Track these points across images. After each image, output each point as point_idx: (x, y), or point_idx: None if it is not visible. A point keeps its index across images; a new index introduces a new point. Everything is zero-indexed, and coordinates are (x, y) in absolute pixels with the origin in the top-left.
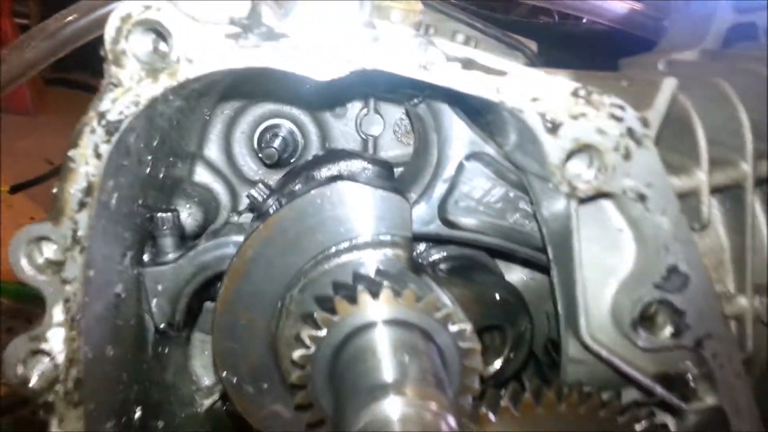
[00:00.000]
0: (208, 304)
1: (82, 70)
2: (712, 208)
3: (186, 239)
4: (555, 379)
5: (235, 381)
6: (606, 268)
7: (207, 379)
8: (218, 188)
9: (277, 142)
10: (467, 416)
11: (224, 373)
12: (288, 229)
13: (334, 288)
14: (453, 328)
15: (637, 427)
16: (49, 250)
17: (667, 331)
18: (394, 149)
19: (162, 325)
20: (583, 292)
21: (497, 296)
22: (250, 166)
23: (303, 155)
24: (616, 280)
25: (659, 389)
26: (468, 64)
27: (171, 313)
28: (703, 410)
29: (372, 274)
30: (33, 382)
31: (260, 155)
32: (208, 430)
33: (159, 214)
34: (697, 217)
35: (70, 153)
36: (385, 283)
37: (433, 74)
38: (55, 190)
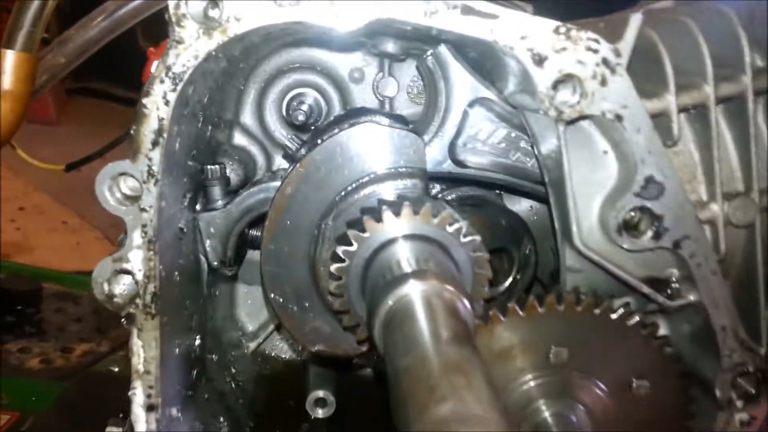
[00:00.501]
0: (250, 256)
1: (102, 79)
2: (683, 129)
3: (231, 190)
4: (556, 288)
5: (281, 301)
6: (593, 184)
7: (251, 326)
8: (254, 150)
9: (303, 108)
10: (479, 317)
11: (272, 295)
12: (320, 167)
13: (361, 212)
14: (465, 239)
15: (631, 320)
16: (127, 185)
17: (648, 234)
18: (408, 108)
19: (215, 263)
20: (574, 206)
21: (503, 221)
22: (280, 131)
23: (327, 119)
24: (602, 193)
25: (647, 288)
26: (466, 10)
27: (223, 251)
28: (685, 306)
29: (393, 199)
30: (117, 297)
31: (289, 121)
32: (255, 368)
33: (208, 166)
34: (668, 135)
35: (144, 100)
36: (405, 203)
37: (436, 20)
38: (132, 132)
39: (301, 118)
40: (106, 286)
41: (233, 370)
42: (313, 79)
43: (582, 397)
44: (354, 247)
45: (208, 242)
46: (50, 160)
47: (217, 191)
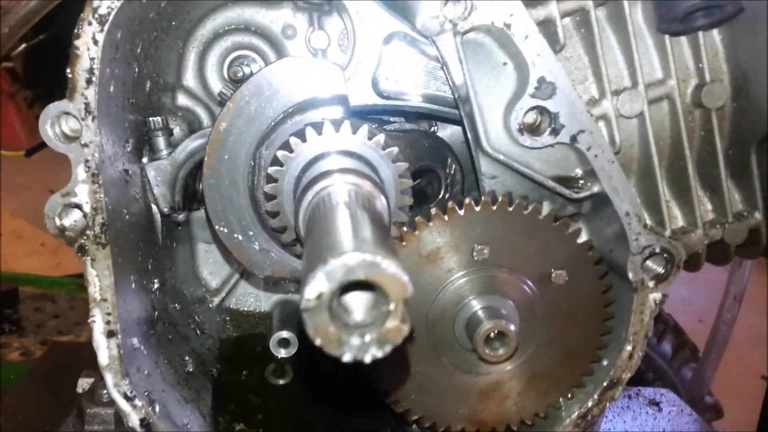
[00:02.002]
0: (198, 216)
1: None
2: (570, 35)
3: (176, 143)
4: (474, 193)
5: (226, 232)
6: (496, 93)
7: (214, 283)
8: (199, 111)
9: (243, 69)
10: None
11: (217, 227)
12: (250, 102)
13: (290, 137)
14: (387, 154)
15: (544, 210)
16: (68, 126)
17: (547, 132)
18: (342, 58)
19: (166, 209)
20: (480, 115)
21: (425, 143)
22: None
23: None
24: (504, 101)
25: (553, 183)
26: None
27: (171, 197)
28: (591, 197)
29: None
30: (68, 230)
31: (230, 81)
32: (220, 320)
33: (150, 118)
34: (556, 40)
35: (76, 42)
36: (326, 121)
37: None
38: (68, 73)
39: (240, 76)
40: (57, 221)
41: (197, 320)
42: (249, 41)
43: (508, 292)
44: (284, 167)
45: (156, 189)
46: (28, 186)
47: (161, 142)
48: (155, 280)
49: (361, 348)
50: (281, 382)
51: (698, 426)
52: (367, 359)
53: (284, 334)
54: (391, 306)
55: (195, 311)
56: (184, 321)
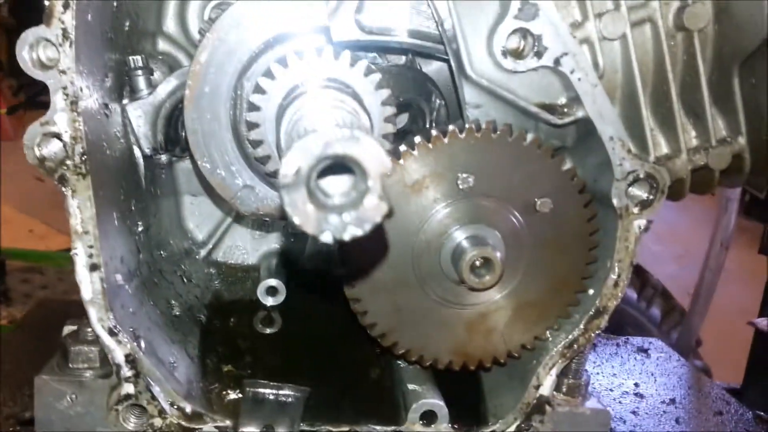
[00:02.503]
0: (183, 167)
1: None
2: None
3: (156, 83)
4: (458, 122)
5: (209, 167)
6: (479, 20)
7: (200, 235)
8: (181, 57)
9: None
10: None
11: (200, 162)
12: (230, 33)
13: (272, 63)
14: (369, 78)
15: (529, 137)
16: (46, 54)
17: (531, 55)
18: None
19: (148, 150)
20: (464, 40)
21: (409, 76)
22: None
23: None
24: (487, 26)
25: (537, 109)
26: None
27: (153, 136)
28: (575, 123)
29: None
30: (48, 160)
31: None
32: (208, 272)
33: (130, 57)
34: None
35: None
36: (310, 48)
37: None
38: (46, 2)
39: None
40: (37, 151)
41: (184, 269)
42: None
43: (494, 221)
44: (266, 94)
45: (138, 129)
46: (14, 173)
47: (141, 81)
48: (139, 223)
49: (340, 226)
50: (269, 330)
51: (686, 370)
52: (346, 237)
53: (272, 281)
54: (370, 182)
55: (181, 261)
56: (170, 269)
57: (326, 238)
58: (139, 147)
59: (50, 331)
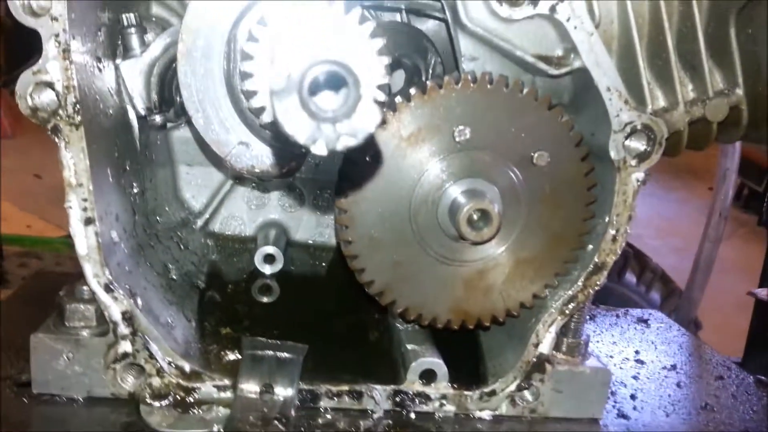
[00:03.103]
0: (184, 134)
1: None
2: None
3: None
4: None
5: (203, 123)
6: None
7: (197, 205)
8: (174, 21)
9: None
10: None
11: (194, 118)
12: None
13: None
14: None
15: (525, 89)
16: (38, 2)
17: (527, 2)
18: None
19: (142, 109)
20: None
21: (405, 32)
22: None
23: None
24: None
25: (533, 59)
26: None
27: (147, 95)
28: (572, 72)
29: None
30: (40, 110)
31: None
32: (205, 242)
33: (123, 14)
34: None
35: None
36: None
37: None
38: None
39: None
40: (29, 100)
41: (180, 236)
42: None
43: (491, 175)
44: (259, 41)
45: (132, 88)
46: (12, 170)
47: (134, 39)
48: (134, 184)
49: (333, 136)
50: (266, 299)
51: (687, 338)
52: (339, 147)
53: (269, 249)
54: (362, 90)
55: (178, 229)
56: (167, 234)
57: (319, 148)
58: (133, 106)
59: (47, 300)
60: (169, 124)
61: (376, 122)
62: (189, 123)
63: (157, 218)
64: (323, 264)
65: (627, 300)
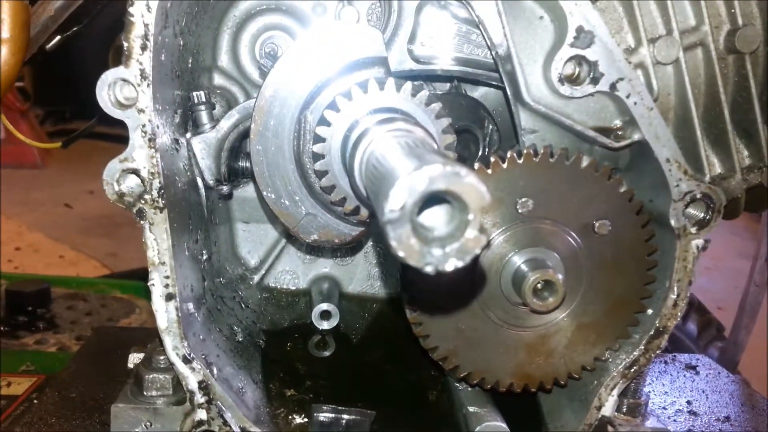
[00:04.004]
0: (242, 194)
1: (80, 119)
2: None
3: (218, 118)
4: (516, 147)
5: (273, 197)
6: (535, 47)
7: (253, 261)
8: (235, 90)
9: (275, 50)
10: None
11: (265, 193)
12: (294, 68)
13: (336, 96)
14: (430, 108)
15: (585, 160)
16: (123, 94)
17: (587, 81)
18: None
19: (211, 181)
20: (521, 69)
21: (463, 103)
22: (256, 73)
23: None
24: (543, 53)
25: (594, 133)
26: None
27: (216, 168)
28: (630, 146)
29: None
30: (126, 195)
31: (262, 62)
32: (262, 297)
33: (194, 92)
34: None
35: (130, 10)
36: (370, 80)
37: None
38: (123, 40)
39: (273, 53)
40: (115, 186)
41: (241, 294)
42: (280, 21)
43: (553, 244)
44: (331, 126)
45: (202, 162)
46: (43, 201)
47: (204, 115)
48: (204, 252)
49: (442, 259)
50: (325, 354)
51: (737, 386)
52: (449, 268)
53: (325, 306)
54: (470, 216)
55: (238, 287)
56: (230, 295)
57: (429, 269)
58: (203, 179)
59: (110, 358)
60: (235, 189)
61: (483, 245)
62: (254, 185)
63: (221, 279)
64: (374, 316)
65: None
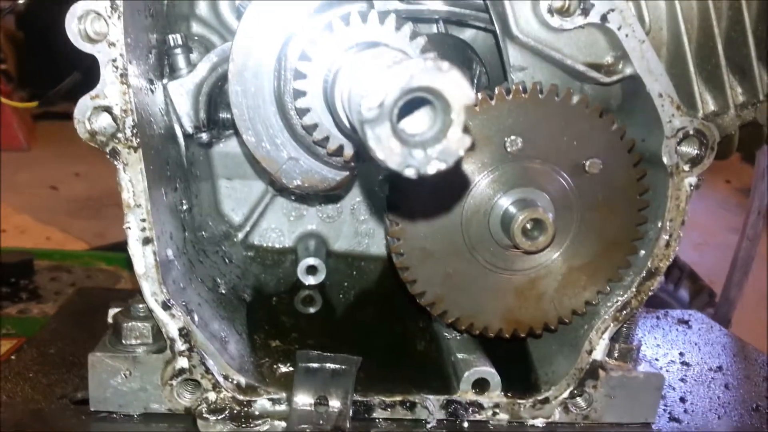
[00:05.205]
0: (224, 149)
1: (65, 101)
2: None
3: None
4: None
5: (254, 141)
6: None
7: (237, 218)
8: (214, 39)
9: None
10: None
11: (245, 136)
12: (274, 3)
13: (317, 32)
14: (415, 42)
15: (576, 97)
16: (93, 28)
17: (577, 12)
18: None
19: (190, 128)
20: (510, 1)
21: (450, 43)
22: (236, 23)
23: None
24: None
25: (584, 68)
26: None
27: (195, 114)
28: (623, 80)
29: None
30: (99, 134)
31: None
32: (246, 255)
33: (170, 35)
34: None
35: None
36: (354, 13)
37: None
38: None
39: None
40: (87, 124)
41: (224, 250)
42: None
43: (543, 184)
44: (312, 60)
45: (179, 107)
46: (28, 183)
47: (181, 59)
48: (183, 201)
49: (424, 161)
50: (311, 310)
51: (730, 339)
52: (431, 171)
53: (312, 260)
54: (453, 115)
55: (221, 243)
56: (212, 249)
57: (410, 173)
58: (181, 125)
59: (93, 317)
60: (213, 141)
61: (467, 146)
62: (236, 136)
63: (203, 233)
64: (362, 273)
65: (654, 297)
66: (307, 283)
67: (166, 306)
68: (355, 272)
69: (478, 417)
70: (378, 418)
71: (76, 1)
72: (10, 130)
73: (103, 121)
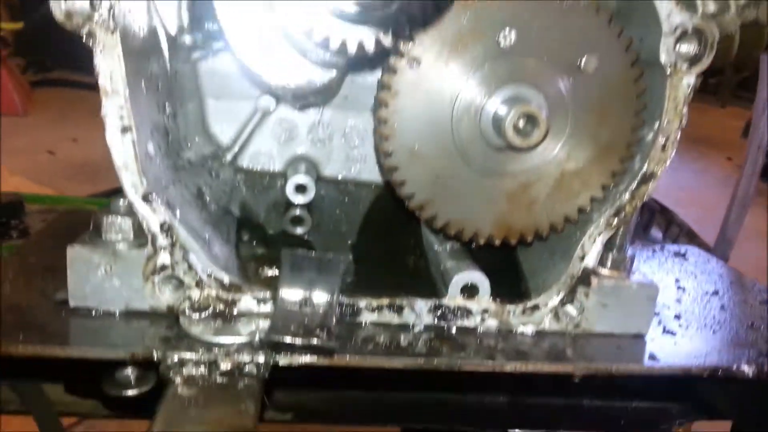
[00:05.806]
0: (212, 66)
1: (62, 68)
2: None
3: None
4: None
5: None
6: None
7: (225, 139)
8: None
9: None
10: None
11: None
12: None
13: None
14: None
15: None
16: None
17: None
18: None
19: (173, 31)
20: None
21: None
22: None
23: None
24: None
25: None
26: None
27: (178, 15)
28: None
29: None
30: (75, 15)
31: None
32: (235, 178)
33: None
34: None
35: None
36: None
37: None
38: None
39: None
40: (62, 5)
41: (212, 165)
42: None
43: (536, 82)
44: None
45: (162, 6)
46: (25, 148)
47: None
48: (166, 104)
49: None
50: (299, 230)
51: (726, 270)
52: None
53: (301, 179)
54: None
55: (209, 161)
56: (199, 162)
57: None
58: (163, 25)
59: (76, 233)
60: (198, 53)
61: None
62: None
63: (189, 144)
64: (353, 199)
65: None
66: (296, 202)
67: (146, 199)
68: (346, 198)
69: (466, 322)
70: (365, 321)
71: None
72: (7, 93)
73: (79, 3)
